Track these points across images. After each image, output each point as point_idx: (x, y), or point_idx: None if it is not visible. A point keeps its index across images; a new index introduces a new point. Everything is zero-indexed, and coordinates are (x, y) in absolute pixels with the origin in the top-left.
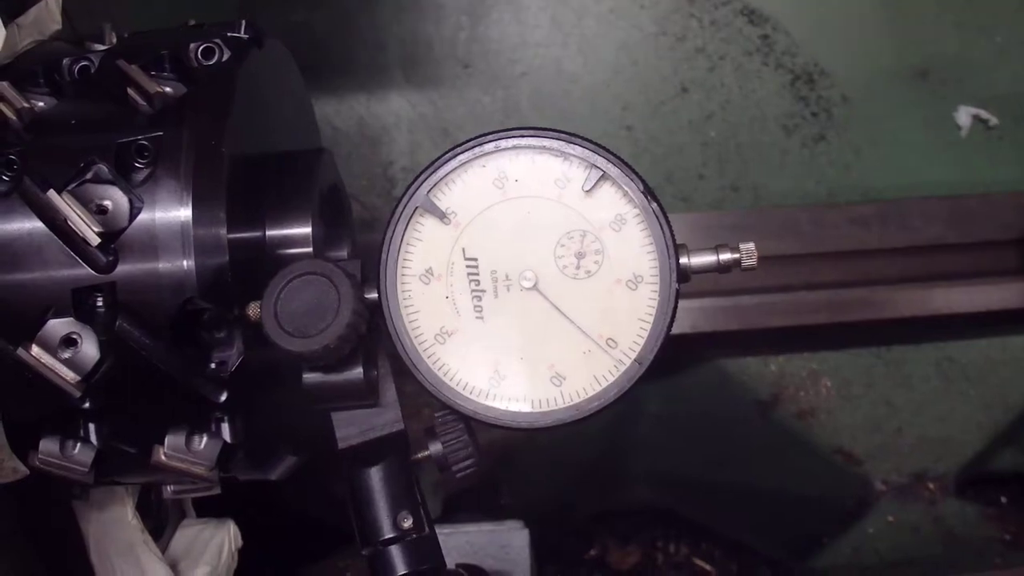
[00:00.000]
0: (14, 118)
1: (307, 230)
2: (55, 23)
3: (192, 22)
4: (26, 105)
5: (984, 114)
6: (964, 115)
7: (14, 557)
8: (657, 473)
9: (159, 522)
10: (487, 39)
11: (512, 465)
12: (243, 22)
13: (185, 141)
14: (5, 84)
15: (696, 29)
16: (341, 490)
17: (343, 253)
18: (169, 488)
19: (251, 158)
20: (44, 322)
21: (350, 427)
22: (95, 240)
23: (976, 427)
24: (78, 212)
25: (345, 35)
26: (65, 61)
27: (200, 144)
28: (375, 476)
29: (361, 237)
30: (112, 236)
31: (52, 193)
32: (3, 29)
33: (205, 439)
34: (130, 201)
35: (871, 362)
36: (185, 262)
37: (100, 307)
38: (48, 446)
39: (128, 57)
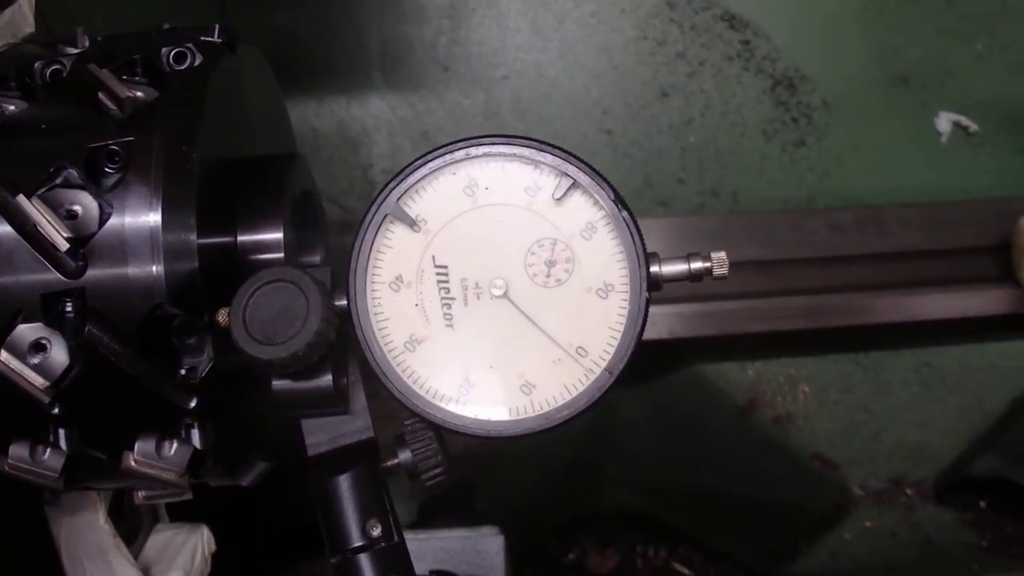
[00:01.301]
0: None
1: (279, 235)
2: (28, 26)
3: (166, 26)
4: None
5: (964, 120)
6: (944, 121)
7: None
8: (636, 477)
9: (132, 527)
10: (468, 42)
11: (488, 469)
12: (217, 26)
13: (155, 146)
14: None
15: (677, 34)
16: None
17: (316, 259)
18: (140, 494)
19: (223, 162)
20: (13, 327)
21: (320, 434)
22: (64, 246)
23: (954, 433)
24: (47, 217)
25: (325, 37)
26: (37, 65)
27: (170, 148)
28: (344, 484)
29: (340, 240)
30: (81, 241)
31: (21, 198)
32: None
33: (175, 445)
34: (100, 206)
35: (849, 368)
36: (155, 267)
37: (69, 312)
38: (17, 451)
39: (100, 61)
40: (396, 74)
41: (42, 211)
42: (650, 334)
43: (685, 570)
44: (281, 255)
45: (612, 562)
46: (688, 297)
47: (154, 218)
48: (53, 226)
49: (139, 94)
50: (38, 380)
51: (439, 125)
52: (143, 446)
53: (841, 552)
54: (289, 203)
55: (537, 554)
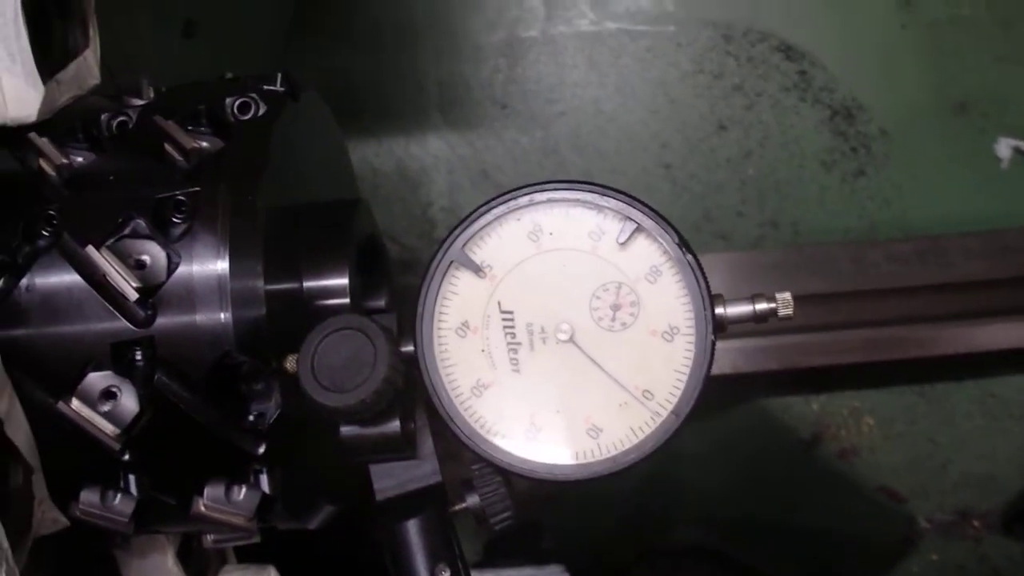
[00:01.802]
0: (53, 174)
1: (344, 281)
2: (94, 78)
3: (229, 75)
4: (65, 161)
5: None
6: (1004, 147)
7: None
8: (701, 513)
9: (200, 569)
10: (524, 80)
11: (555, 508)
12: (279, 75)
13: (221, 195)
14: (45, 140)
15: (733, 67)
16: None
17: (380, 302)
18: (209, 537)
19: (287, 209)
20: (84, 375)
21: (387, 479)
22: (133, 295)
23: (1021, 464)
24: (116, 267)
25: (383, 78)
26: (103, 117)
27: (236, 197)
28: (412, 528)
29: (401, 279)
30: (150, 291)
31: (91, 249)
32: (42, 87)
33: (244, 490)
34: (168, 256)
35: (913, 400)
36: (223, 315)
37: (139, 361)
38: (88, 496)
39: (165, 112)
40: (454, 113)
41: (111, 261)
42: (714, 370)
43: None
44: (347, 300)
45: None
46: (751, 332)
47: (222, 266)
48: (122, 276)
49: (204, 144)
50: (108, 428)
51: (498, 163)
52: (212, 491)
53: None
54: (353, 248)
55: None
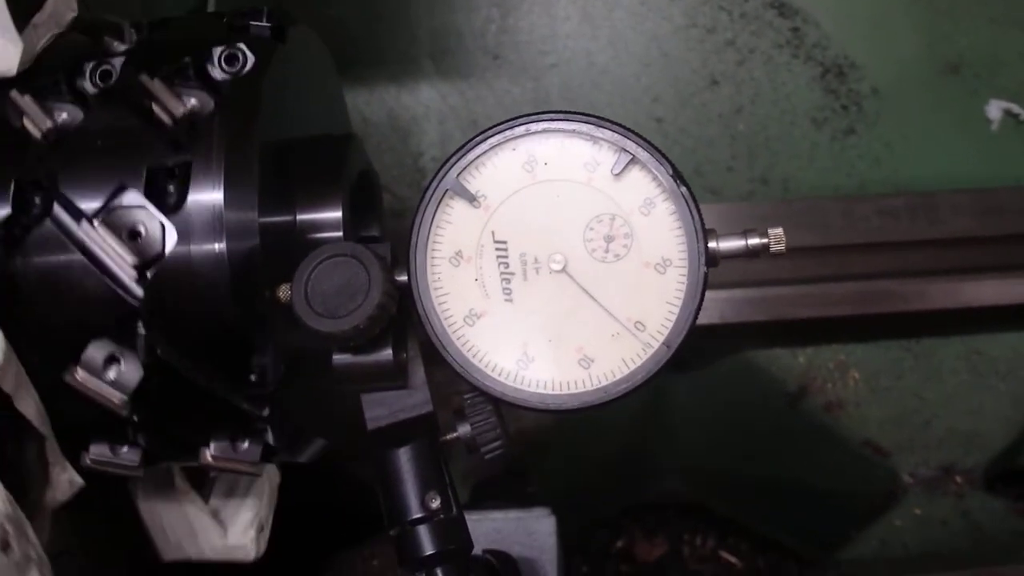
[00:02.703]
0: (38, 135)
1: (337, 214)
2: (71, 10)
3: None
4: (49, 124)
5: (1015, 108)
6: (995, 109)
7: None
8: (685, 465)
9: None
10: (517, 31)
11: (540, 454)
12: (265, 10)
13: (216, 146)
14: (27, 99)
15: (726, 22)
16: (366, 476)
17: (373, 234)
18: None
19: (281, 143)
20: (86, 346)
21: (379, 408)
22: (132, 274)
23: (1005, 421)
24: (111, 244)
25: (376, 27)
26: (87, 67)
27: (231, 133)
28: (403, 457)
29: (391, 226)
30: (148, 264)
31: (85, 226)
32: (19, 41)
33: (248, 443)
34: (162, 226)
35: (900, 354)
36: (217, 245)
37: (141, 331)
38: (99, 449)
39: (150, 65)
40: (446, 62)
41: (106, 238)
42: (700, 319)
43: (733, 559)
44: (340, 233)
45: (660, 550)
46: (739, 283)
47: (217, 197)
48: (118, 253)
49: (193, 102)
50: (116, 396)
51: (489, 113)
52: (218, 444)
53: (891, 539)
54: (347, 182)
55: (587, 541)
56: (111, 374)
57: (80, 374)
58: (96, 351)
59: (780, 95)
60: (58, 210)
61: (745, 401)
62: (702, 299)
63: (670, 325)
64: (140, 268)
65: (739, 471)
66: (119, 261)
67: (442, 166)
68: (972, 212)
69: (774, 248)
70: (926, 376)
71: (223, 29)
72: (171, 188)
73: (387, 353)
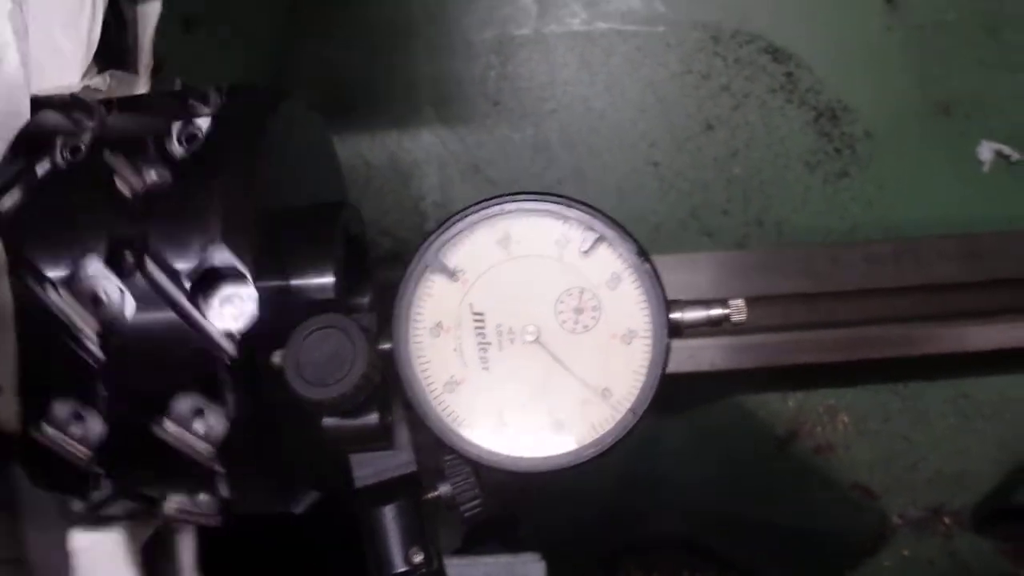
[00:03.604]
0: (128, 195)
1: (330, 279)
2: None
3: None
4: (141, 185)
5: (1007, 149)
6: (987, 150)
7: None
8: (680, 506)
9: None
10: (516, 77)
11: (532, 498)
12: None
13: (213, 204)
14: (120, 159)
15: (721, 67)
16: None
17: (364, 299)
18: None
19: (275, 211)
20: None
21: (366, 468)
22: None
23: (991, 462)
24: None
25: (377, 73)
26: (173, 128)
27: (226, 204)
28: (388, 514)
29: (391, 273)
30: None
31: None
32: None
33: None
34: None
35: (888, 398)
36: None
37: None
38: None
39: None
40: (447, 108)
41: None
42: (693, 366)
43: None
44: (333, 297)
45: None
46: (730, 330)
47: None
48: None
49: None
50: (203, 446)
51: (489, 158)
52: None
53: None
54: (339, 248)
55: None
56: (199, 426)
57: (170, 426)
58: (183, 403)
59: (774, 139)
60: (151, 268)
61: (737, 444)
62: (665, 368)
63: (636, 392)
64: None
65: (732, 512)
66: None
67: (423, 243)
68: (957, 257)
69: (735, 318)
70: (914, 419)
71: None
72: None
73: (373, 417)
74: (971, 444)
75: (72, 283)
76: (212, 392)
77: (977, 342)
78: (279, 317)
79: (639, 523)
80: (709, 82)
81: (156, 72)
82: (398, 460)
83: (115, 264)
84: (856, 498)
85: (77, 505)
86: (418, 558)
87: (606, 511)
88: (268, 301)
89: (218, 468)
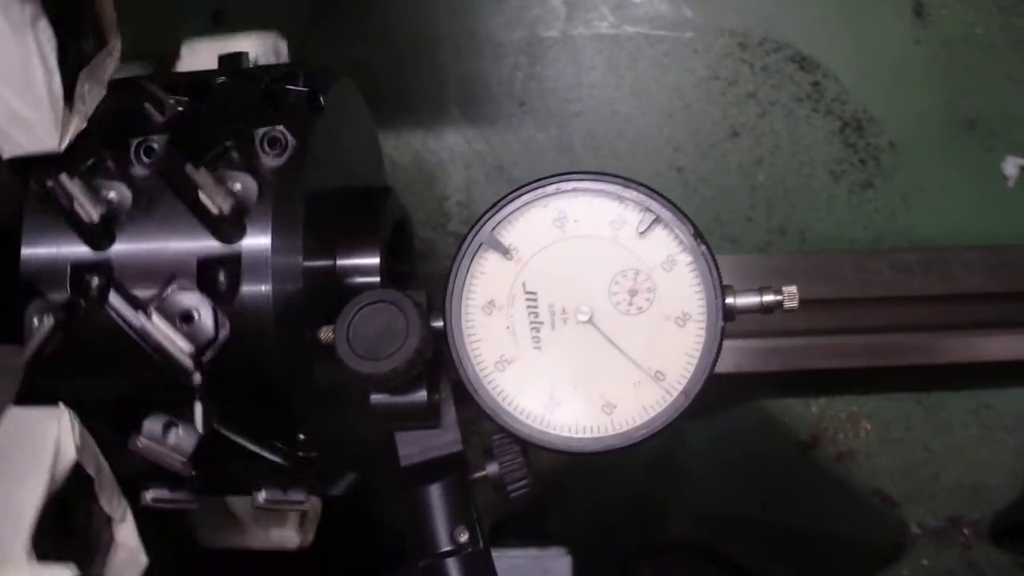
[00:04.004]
0: (88, 220)
1: (376, 261)
2: (113, 59)
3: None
4: (102, 211)
5: None
6: (1012, 165)
7: None
8: (699, 509)
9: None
10: (543, 79)
11: (558, 494)
12: (301, 74)
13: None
14: (76, 184)
15: (748, 75)
16: (391, 512)
17: (406, 283)
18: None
19: (324, 193)
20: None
21: (412, 446)
22: (187, 360)
23: (1012, 474)
24: (168, 333)
25: (404, 72)
26: (131, 143)
27: (280, 178)
28: (434, 493)
29: (419, 268)
30: (203, 348)
31: (141, 315)
32: (67, 115)
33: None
34: (215, 313)
35: (910, 407)
36: (264, 287)
37: (222, 282)
38: (157, 492)
39: (193, 149)
40: (472, 108)
41: (160, 326)
42: (717, 368)
43: None
44: (377, 279)
45: None
46: (755, 333)
47: (265, 241)
48: (174, 341)
49: (238, 186)
50: (176, 459)
51: (514, 159)
52: (270, 491)
53: None
54: (385, 231)
55: None
56: (171, 439)
57: (143, 442)
58: (154, 423)
59: (799, 147)
60: (114, 298)
61: (758, 449)
62: (719, 351)
63: (688, 375)
64: (195, 354)
65: (751, 517)
66: (174, 348)
67: (478, 220)
68: (983, 268)
69: (787, 305)
70: (936, 428)
71: (261, 100)
72: (221, 277)
73: (422, 394)
74: (992, 455)
75: None
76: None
77: (1001, 353)
78: (325, 296)
79: (657, 523)
80: (735, 89)
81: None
82: (444, 439)
83: (207, 284)
84: (876, 506)
85: None
86: (463, 537)
87: (626, 509)
88: (314, 279)
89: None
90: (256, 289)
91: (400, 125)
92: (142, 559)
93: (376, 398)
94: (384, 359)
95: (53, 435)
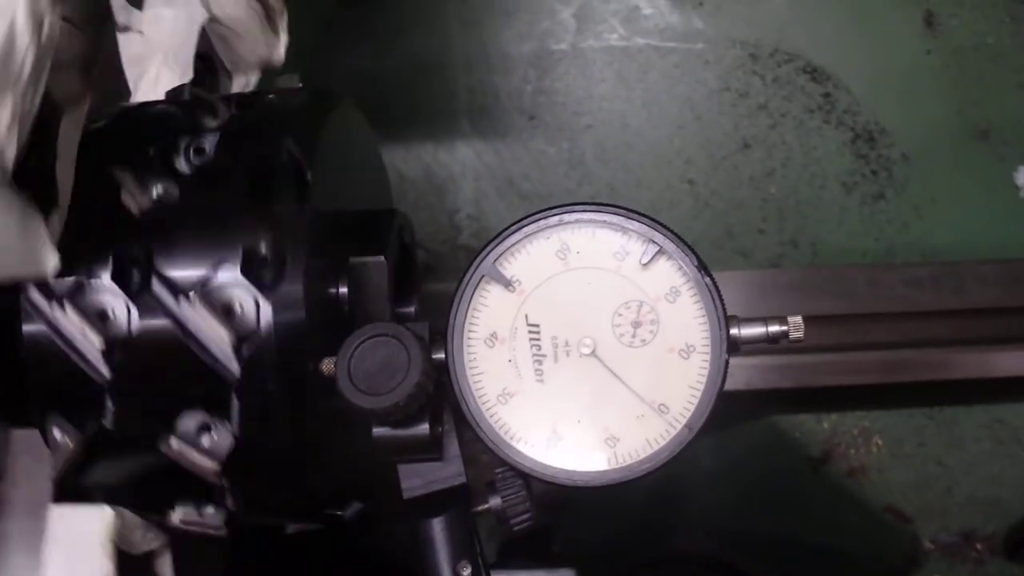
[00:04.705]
0: (135, 212)
1: (381, 288)
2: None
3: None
4: (148, 203)
5: None
6: None
7: None
8: (710, 525)
9: None
10: (553, 92)
11: (566, 512)
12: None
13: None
14: (127, 175)
15: (759, 86)
16: (402, 534)
17: (411, 309)
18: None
19: (328, 216)
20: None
21: (415, 479)
22: (228, 349)
23: None
24: (210, 321)
25: (415, 85)
26: (180, 144)
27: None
28: (437, 526)
29: (425, 284)
30: (243, 339)
31: (183, 302)
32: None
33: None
34: (257, 304)
35: (923, 422)
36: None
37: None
38: (185, 510)
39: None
40: (482, 121)
41: (203, 314)
42: (728, 385)
43: None
44: (382, 307)
45: None
46: (766, 350)
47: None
48: (215, 330)
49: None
50: (208, 463)
51: (524, 172)
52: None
53: None
54: (392, 257)
55: None
56: (204, 442)
57: (175, 443)
58: (189, 420)
59: (811, 159)
60: (157, 286)
61: (769, 464)
62: (723, 384)
63: (692, 408)
64: (236, 345)
65: (761, 532)
66: (215, 337)
67: (480, 252)
68: (996, 282)
69: (793, 335)
70: (948, 444)
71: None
72: (264, 268)
73: (424, 428)
74: (1005, 469)
75: (77, 299)
76: (219, 410)
77: (1014, 368)
78: (328, 324)
79: (667, 540)
80: (747, 100)
81: None
82: (448, 471)
83: (122, 280)
84: (888, 521)
85: None
86: (466, 572)
87: (636, 527)
88: (318, 307)
89: (224, 482)
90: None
91: (410, 138)
92: None
93: (378, 431)
94: (386, 394)
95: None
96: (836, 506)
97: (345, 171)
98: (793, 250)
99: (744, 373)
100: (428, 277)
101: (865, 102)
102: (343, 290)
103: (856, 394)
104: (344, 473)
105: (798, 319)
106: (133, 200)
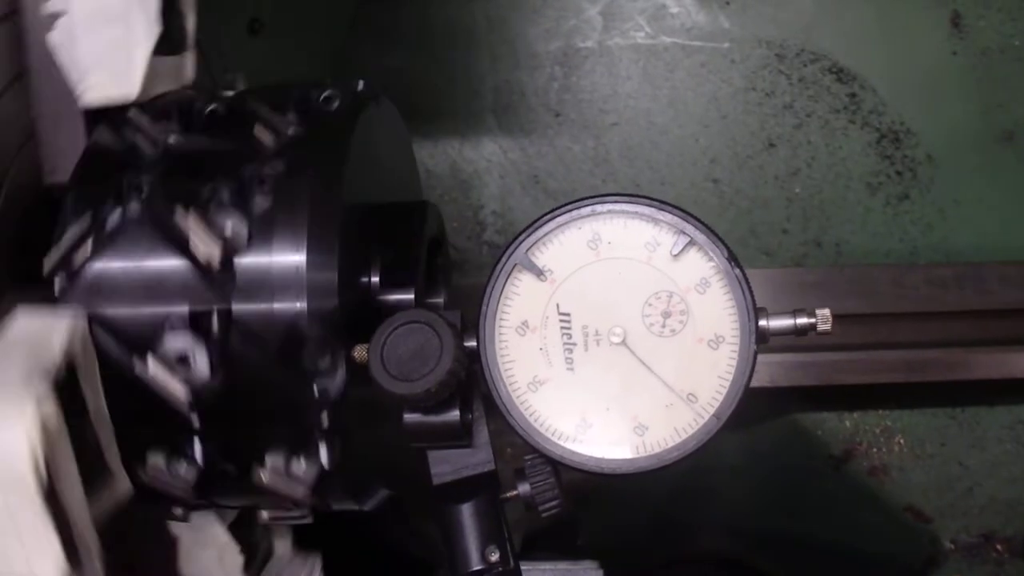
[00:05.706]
0: (148, 150)
1: (413, 278)
2: (188, 78)
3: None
4: (160, 138)
5: None
6: None
7: None
8: (731, 522)
9: (252, 542)
10: (579, 89)
11: (590, 506)
12: (361, 81)
13: (303, 188)
14: (144, 117)
15: (785, 86)
16: (424, 525)
17: (440, 300)
18: (264, 514)
19: (362, 207)
20: (162, 336)
21: (444, 465)
22: (217, 258)
23: None
24: (203, 235)
25: (440, 82)
26: (196, 104)
27: (317, 190)
28: (466, 512)
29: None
30: (231, 260)
31: (179, 211)
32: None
33: (304, 463)
34: (249, 230)
35: (945, 422)
36: (298, 304)
37: (215, 330)
38: (155, 460)
39: (256, 99)
40: (508, 118)
41: (196, 227)
42: (752, 382)
43: None
44: (412, 296)
45: None
46: (789, 347)
47: (299, 258)
48: (208, 244)
49: (291, 129)
50: (182, 391)
51: (549, 169)
52: (273, 461)
53: None
54: (423, 248)
55: None
56: (182, 372)
57: (151, 364)
58: (170, 343)
59: (836, 159)
60: (154, 202)
61: (791, 462)
62: (751, 374)
63: (720, 398)
64: (224, 261)
65: (782, 530)
66: (208, 249)
67: (512, 241)
68: (1020, 283)
69: (821, 328)
70: (970, 444)
71: (324, 86)
72: (262, 195)
73: (454, 414)
74: None
75: (156, 349)
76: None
77: None
78: (360, 313)
79: (687, 537)
80: (772, 100)
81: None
82: (477, 458)
83: (244, 202)
84: (909, 521)
85: None
86: (494, 556)
87: (657, 522)
88: (350, 297)
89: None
90: (291, 306)
91: (436, 134)
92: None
93: (409, 417)
94: (418, 380)
95: None
96: (856, 505)
97: (380, 163)
98: (817, 250)
99: (768, 370)
100: (454, 272)
101: (891, 103)
102: (376, 279)
103: (879, 393)
104: (372, 461)
105: (826, 311)
106: (146, 139)
